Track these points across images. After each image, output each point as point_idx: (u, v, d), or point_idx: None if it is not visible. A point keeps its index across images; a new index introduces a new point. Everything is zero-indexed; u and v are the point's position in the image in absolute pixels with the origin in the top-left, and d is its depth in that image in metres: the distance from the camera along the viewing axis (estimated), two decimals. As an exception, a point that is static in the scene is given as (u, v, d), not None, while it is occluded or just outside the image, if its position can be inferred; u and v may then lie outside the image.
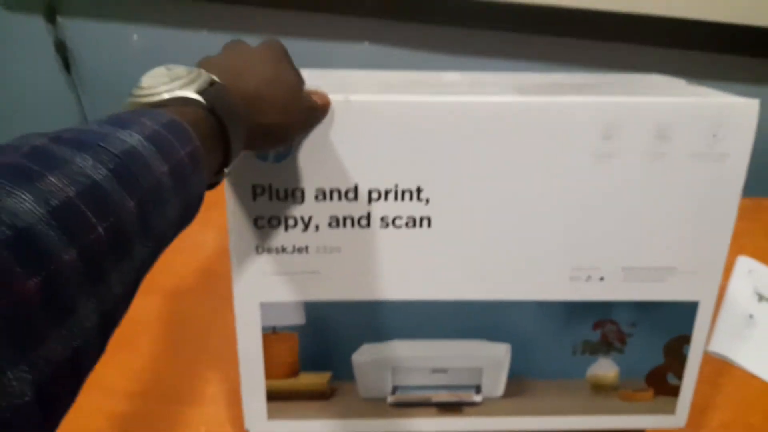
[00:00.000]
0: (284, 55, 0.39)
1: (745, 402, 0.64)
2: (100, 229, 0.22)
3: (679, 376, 0.52)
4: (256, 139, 0.36)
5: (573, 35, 0.87)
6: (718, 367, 0.67)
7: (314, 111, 0.42)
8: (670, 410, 0.54)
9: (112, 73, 0.98)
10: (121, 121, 0.26)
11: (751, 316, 0.74)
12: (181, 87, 0.31)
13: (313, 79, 0.50)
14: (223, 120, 0.31)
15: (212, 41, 0.94)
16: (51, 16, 0.94)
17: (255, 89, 0.35)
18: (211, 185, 0.34)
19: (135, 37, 0.96)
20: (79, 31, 0.96)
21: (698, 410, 0.60)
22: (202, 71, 0.33)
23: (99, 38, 0.97)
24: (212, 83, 0.32)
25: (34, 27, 0.96)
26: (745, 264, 0.81)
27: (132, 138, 0.25)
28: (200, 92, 0.31)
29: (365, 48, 0.91)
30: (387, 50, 0.90)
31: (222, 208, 0.46)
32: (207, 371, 0.63)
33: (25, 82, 1.01)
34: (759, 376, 0.66)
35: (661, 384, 0.53)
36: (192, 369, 0.64)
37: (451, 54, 0.91)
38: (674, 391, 0.53)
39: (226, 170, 0.34)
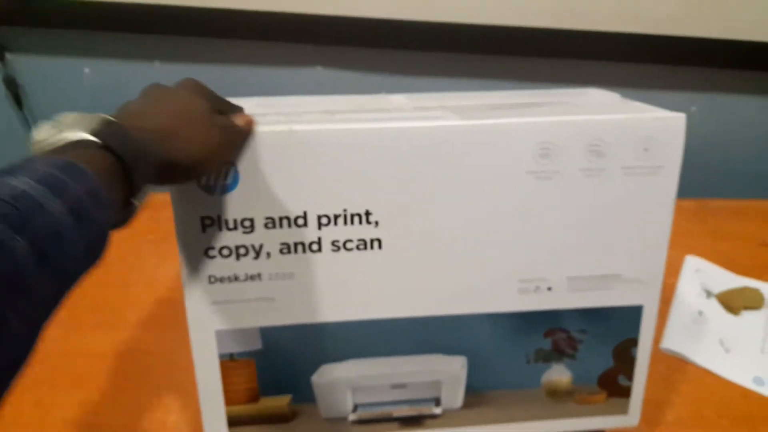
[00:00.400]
0: (193, 89, 0.40)
1: (699, 396, 0.66)
2: None
3: (630, 377, 0.54)
4: (171, 171, 0.37)
5: (513, 53, 0.90)
6: (672, 364, 0.70)
7: (234, 134, 0.42)
8: (623, 411, 0.56)
9: (65, 107, 0.96)
10: (10, 168, 0.27)
11: (700, 313, 0.77)
12: (72, 131, 0.31)
13: (261, 107, 0.51)
14: (121, 156, 0.32)
15: (164, 72, 0.95)
16: (0, 53, 0.93)
17: (156, 124, 0.36)
18: (124, 220, 0.35)
19: (86, 70, 0.96)
20: (30, 66, 0.96)
21: (653, 406, 0.63)
22: (96, 114, 0.33)
23: (50, 73, 0.97)
24: (107, 123, 0.33)
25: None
26: (692, 263, 0.84)
27: (20, 182, 0.26)
28: (93, 133, 0.32)
29: (318, 72, 0.92)
30: (339, 74, 0.92)
31: (175, 240, 0.46)
32: (169, 401, 0.63)
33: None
34: (711, 370, 0.69)
35: (613, 386, 0.54)
36: (154, 399, 0.64)
37: (400, 75, 0.94)
38: (626, 392, 0.55)
39: (135, 202, 0.34)
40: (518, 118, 0.45)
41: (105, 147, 0.31)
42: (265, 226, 0.46)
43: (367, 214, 0.46)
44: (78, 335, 0.70)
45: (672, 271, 0.82)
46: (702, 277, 0.81)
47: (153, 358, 0.69)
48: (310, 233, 0.46)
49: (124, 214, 0.34)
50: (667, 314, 0.76)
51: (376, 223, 0.47)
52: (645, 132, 0.46)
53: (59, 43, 0.94)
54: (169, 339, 0.70)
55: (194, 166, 0.38)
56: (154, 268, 0.79)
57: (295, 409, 0.52)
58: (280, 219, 0.46)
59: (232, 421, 0.51)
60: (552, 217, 0.48)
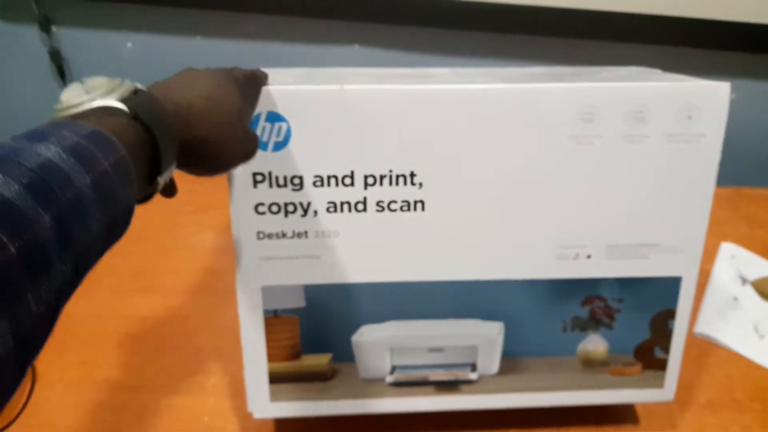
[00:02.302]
0: (229, 79, 0.38)
1: (731, 380, 0.66)
2: (12, 249, 0.21)
3: (666, 349, 0.54)
4: (190, 154, 0.35)
5: (555, 34, 0.90)
6: (705, 348, 0.70)
7: (256, 141, 0.41)
8: (659, 384, 0.56)
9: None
10: (38, 135, 0.25)
11: (735, 299, 0.76)
12: (102, 96, 0.30)
13: (308, 75, 0.52)
14: (149, 127, 0.30)
15: (205, 48, 0.96)
16: (46, 26, 0.96)
17: (188, 101, 0.34)
18: (147, 197, 0.33)
19: (129, 45, 0.97)
20: (74, 40, 0.98)
21: (686, 389, 0.63)
22: (125, 81, 0.32)
23: (93, 47, 0.98)
24: (136, 92, 0.32)
25: (29, 37, 0.98)
26: (727, 250, 0.83)
27: (49, 150, 0.24)
28: (122, 100, 0.30)
29: (355, 50, 0.93)
30: (377, 52, 0.93)
31: (214, 209, 0.47)
32: (208, 364, 0.65)
33: (22, 91, 1.02)
34: (743, 355, 0.69)
35: (649, 358, 0.55)
36: (193, 362, 0.66)
37: (439, 55, 0.94)
38: (662, 365, 0.55)
39: (159, 179, 0.32)
40: (562, 83, 0.46)
41: (134, 117, 0.30)
42: (314, 184, 0.47)
43: (412, 175, 0.47)
44: (120, 299, 0.73)
45: (707, 257, 0.81)
46: (737, 263, 0.81)
47: (192, 322, 0.71)
48: (357, 193, 0.48)
49: (147, 190, 0.32)
50: (701, 299, 0.75)
51: (420, 184, 0.48)
52: (688, 99, 0.46)
53: (103, 17, 0.96)
54: (207, 304, 0.72)
55: (218, 157, 0.37)
56: (192, 236, 0.81)
57: (334, 368, 0.53)
58: (328, 177, 0.47)
59: (274, 378, 0.53)
60: (593, 182, 0.48)
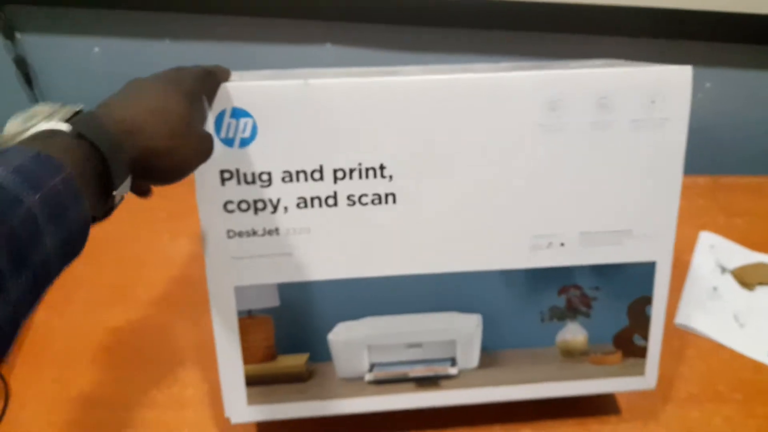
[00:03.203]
0: (173, 88, 0.38)
1: (712, 371, 0.66)
2: None
3: (645, 337, 0.54)
4: (144, 166, 0.35)
5: (523, 28, 0.90)
6: (686, 340, 0.70)
7: (210, 141, 0.42)
8: (640, 372, 0.55)
9: (75, 86, 0.98)
10: None
11: (715, 288, 0.76)
12: (44, 120, 0.31)
13: (276, 75, 0.52)
14: (95, 144, 0.31)
15: (174, 50, 0.95)
16: (9, 33, 0.95)
17: (131, 117, 0.35)
18: (106, 211, 0.34)
19: (96, 49, 0.96)
20: (39, 46, 0.96)
21: (667, 381, 0.63)
22: (67, 105, 0.32)
23: (60, 53, 0.97)
24: (80, 113, 0.32)
25: (-8, 44, 0.97)
26: (707, 239, 0.84)
27: None
28: (65, 122, 0.31)
29: (328, 49, 0.93)
30: (349, 51, 0.93)
31: (191, 216, 0.47)
32: (185, 375, 0.64)
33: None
34: (725, 345, 0.69)
35: (629, 346, 0.55)
36: (170, 374, 0.64)
37: (412, 52, 0.94)
38: (642, 353, 0.55)
39: (114, 193, 0.33)
40: (527, 71, 0.47)
41: (78, 136, 0.30)
42: (283, 179, 0.47)
43: (381, 167, 0.47)
44: (95, 313, 0.71)
45: (686, 247, 0.82)
46: (716, 253, 0.81)
47: (168, 333, 0.69)
48: (326, 187, 0.47)
49: (105, 205, 0.33)
50: (681, 290, 0.75)
51: (390, 177, 0.48)
52: (651, 84, 0.47)
53: (69, 22, 0.94)
54: (183, 314, 0.70)
55: (174, 164, 0.37)
56: (167, 245, 0.80)
57: (311, 369, 0.52)
58: (297, 173, 0.47)
59: (250, 381, 0.52)
60: (562, 170, 0.49)
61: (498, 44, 0.93)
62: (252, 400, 0.52)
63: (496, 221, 0.50)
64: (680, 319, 0.72)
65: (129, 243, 0.80)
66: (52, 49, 0.97)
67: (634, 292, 0.53)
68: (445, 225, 0.49)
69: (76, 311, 0.71)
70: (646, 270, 0.53)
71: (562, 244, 0.51)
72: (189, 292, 0.73)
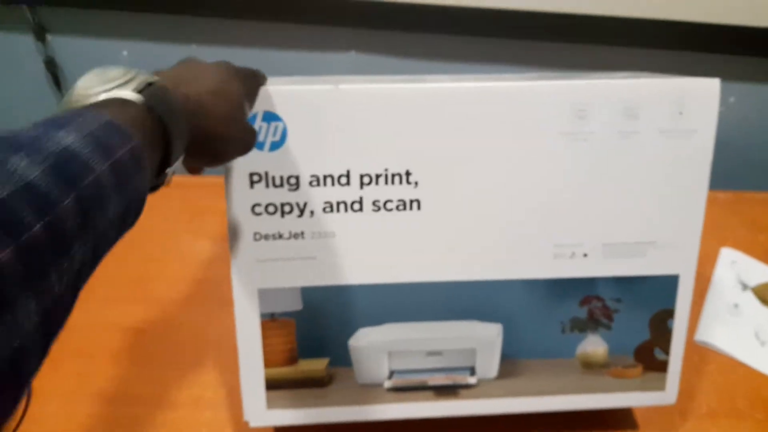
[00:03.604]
0: (232, 74, 0.40)
1: (732, 388, 0.65)
2: (37, 227, 0.22)
3: (666, 350, 0.54)
4: (195, 146, 0.36)
5: (552, 39, 0.91)
6: (706, 356, 0.69)
7: (254, 135, 0.42)
8: (660, 387, 0.55)
9: None
10: (57, 122, 0.26)
11: (735, 305, 0.76)
12: (118, 87, 0.31)
13: (303, 81, 0.53)
14: (162, 118, 0.31)
15: (201, 55, 0.95)
16: (40, 35, 0.97)
17: (197, 94, 0.36)
18: (154, 187, 0.34)
19: (124, 53, 0.97)
20: (69, 48, 0.98)
21: (687, 397, 0.62)
22: (140, 72, 0.33)
23: (88, 55, 0.98)
24: (150, 83, 0.32)
25: (24, 45, 0.98)
26: (728, 255, 0.83)
27: (68, 137, 0.25)
28: (137, 92, 0.31)
29: (352, 57, 0.94)
30: (374, 58, 0.93)
31: (213, 216, 0.47)
32: (205, 376, 0.64)
33: (17, 99, 1.02)
34: (745, 363, 0.68)
35: (650, 359, 0.54)
36: (190, 375, 0.65)
37: (437, 60, 0.95)
38: (662, 367, 0.54)
39: (168, 170, 0.33)
40: (555, 81, 0.47)
41: (148, 109, 0.31)
42: (310, 183, 0.47)
43: (407, 174, 0.48)
44: (116, 309, 0.72)
45: (708, 262, 0.82)
46: (738, 269, 0.81)
47: (188, 332, 0.70)
48: (353, 192, 0.48)
49: (156, 180, 0.34)
50: (701, 306, 0.75)
51: (416, 183, 0.48)
52: (678, 95, 0.47)
53: (98, 25, 0.96)
54: (203, 314, 0.71)
55: (221, 150, 0.38)
56: (188, 245, 0.81)
57: (331, 373, 0.52)
58: (324, 177, 0.47)
59: (270, 384, 0.52)
60: (587, 179, 0.49)
61: (523, 54, 0.93)
62: (271, 404, 0.52)
63: (520, 230, 0.50)
64: (700, 335, 0.71)
65: (151, 241, 0.81)
66: (82, 51, 0.98)
67: (656, 305, 0.53)
68: (468, 233, 0.50)
69: (97, 307, 0.72)
70: (669, 283, 0.52)
71: (585, 255, 0.51)
72: (210, 292, 0.74)
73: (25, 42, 0.98)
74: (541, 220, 0.50)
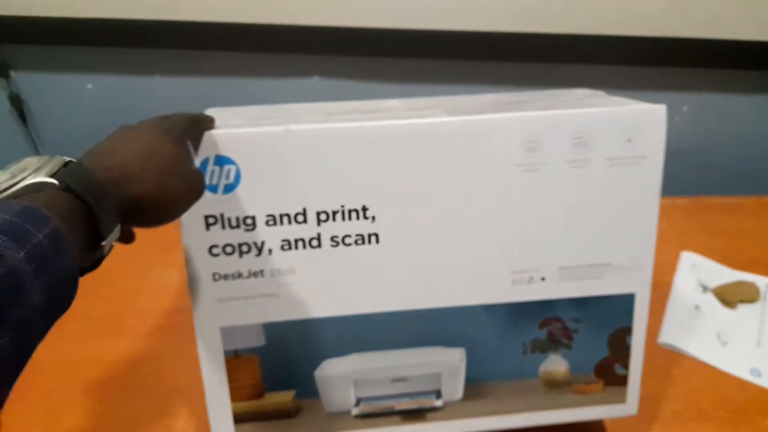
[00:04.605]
0: (163, 130, 0.39)
1: (696, 390, 0.67)
2: None
3: (625, 366, 0.55)
4: (134, 212, 0.35)
5: (506, 59, 0.93)
6: (669, 359, 0.71)
7: (201, 180, 0.42)
8: (621, 399, 0.57)
9: (69, 122, 1.00)
10: None
11: (697, 307, 0.78)
12: (32, 174, 0.31)
13: (260, 113, 0.53)
14: (81, 195, 0.31)
15: (165, 86, 0.97)
16: (4, 71, 0.96)
17: (120, 163, 0.35)
18: (96, 261, 0.34)
19: (89, 86, 0.98)
20: (33, 83, 0.99)
21: (651, 401, 0.64)
22: (55, 157, 0.33)
23: (53, 89, 0.99)
24: (67, 164, 0.33)
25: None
26: (688, 259, 0.85)
27: None
28: (52, 175, 0.31)
29: (315, 82, 0.95)
30: (337, 83, 0.94)
31: (180, 248, 0.47)
32: (176, 406, 0.64)
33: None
34: (708, 363, 0.70)
35: (610, 375, 0.56)
36: (161, 405, 0.65)
37: (398, 82, 0.96)
38: (623, 381, 0.56)
39: (103, 243, 0.33)
40: (504, 114, 0.47)
41: (65, 188, 0.31)
42: (266, 223, 0.48)
43: (364, 209, 0.48)
44: (87, 344, 0.72)
45: (668, 267, 0.83)
46: (698, 272, 0.83)
47: (160, 364, 0.70)
48: (310, 229, 0.48)
49: (93, 255, 0.33)
50: (664, 310, 0.77)
51: (373, 218, 0.48)
52: (627, 123, 0.48)
53: (62, 60, 0.97)
54: (176, 345, 0.71)
55: (165, 208, 0.38)
56: (159, 277, 0.81)
57: (298, 405, 0.53)
58: (281, 216, 0.48)
59: (238, 418, 0.53)
60: (542, 208, 0.50)
61: (480, 74, 0.95)
62: (240, 436, 0.53)
63: (478, 258, 0.51)
64: (663, 338, 0.73)
65: (122, 275, 0.80)
66: (46, 86, 0.99)
67: (614, 323, 0.54)
68: (427, 263, 0.50)
69: (68, 343, 0.72)
70: (626, 301, 0.54)
71: (543, 279, 0.52)
72: (183, 322, 0.73)
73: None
74: (499, 248, 0.51)
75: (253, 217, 0.47)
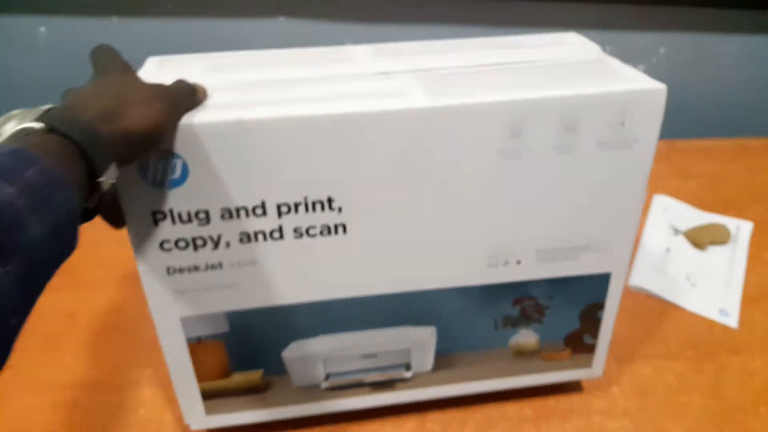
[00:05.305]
0: (131, 75, 0.40)
1: (665, 330, 0.68)
2: None
3: (594, 336, 0.55)
4: (127, 144, 0.35)
5: None
6: (639, 301, 0.72)
7: (181, 91, 0.41)
8: (587, 365, 0.57)
9: (22, 66, 0.94)
10: None
11: (667, 250, 0.77)
12: (18, 123, 0.31)
13: (206, 71, 0.46)
14: (69, 136, 0.31)
15: (122, 28, 0.89)
16: None
17: (103, 105, 0.35)
18: (100, 200, 0.35)
19: (42, 29, 0.90)
20: None
21: (620, 342, 0.64)
22: (39, 107, 0.33)
23: (5, 33, 0.91)
24: (49, 110, 0.33)
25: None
26: (660, 202, 0.83)
27: None
28: (36, 120, 0.31)
29: (281, 23, 0.85)
30: (303, 24, 0.85)
31: None
32: (142, 358, 0.64)
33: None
34: (677, 305, 0.71)
35: (579, 344, 0.56)
36: (127, 357, 0.64)
37: (368, 23, 0.87)
38: (590, 349, 0.56)
39: (101, 180, 0.33)
40: (486, 98, 0.42)
41: (51, 130, 0.31)
42: (222, 217, 0.43)
43: (330, 200, 0.44)
44: (48, 296, 0.69)
45: (642, 210, 0.82)
46: (670, 215, 0.81)
47: (124, 315, 0.69)
48: (270, 222, 0.44)
49: (94, 194, 0.34)
50: (635, 253, 0.76)
51: (340, 209, 0.44)
52: (623, 106, 0.43)
53: (14, 2, 0.89)
54: (140, 297, 0.69)
55: (149, 131, 0.36)
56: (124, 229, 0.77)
57: (267, 381, 0.53)
58: (237, 210, 0.43)
59: (207, 395, 0.52)
60: (522, 194, 0.46)
61: (459, 13, 0.86)
62: (210, 410, 0.53)
63: (453, 245, 0.48)
64: (634, 280, 0.73)
65: (84, 227, 0.76)
66: None
67: (587, 299, 0.53)
68: (399, 250, 0.47)
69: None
70: (601, 279, 0.52)
71: (519, 262, 0.50)
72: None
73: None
74: (474, 234, 0.47)
75: (206, 212, 0.43)
